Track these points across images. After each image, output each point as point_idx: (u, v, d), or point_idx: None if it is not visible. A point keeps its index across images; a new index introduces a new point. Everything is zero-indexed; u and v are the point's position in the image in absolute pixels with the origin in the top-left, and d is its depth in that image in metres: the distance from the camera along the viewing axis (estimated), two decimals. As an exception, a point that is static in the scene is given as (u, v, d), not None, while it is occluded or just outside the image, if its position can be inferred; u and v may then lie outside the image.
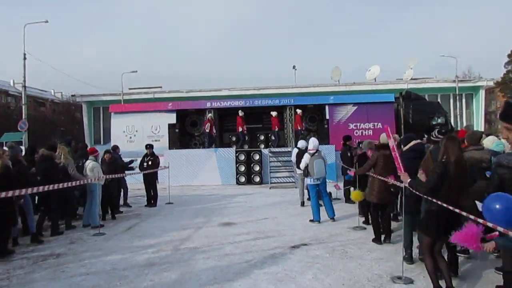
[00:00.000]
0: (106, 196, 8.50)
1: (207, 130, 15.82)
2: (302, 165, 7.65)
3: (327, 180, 7.78)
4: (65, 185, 6.68)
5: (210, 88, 26.56)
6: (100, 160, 8.74)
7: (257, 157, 15.14)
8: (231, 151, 15.52)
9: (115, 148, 10.48)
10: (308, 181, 7.57)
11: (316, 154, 7.45)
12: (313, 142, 7.65)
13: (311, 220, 7.71)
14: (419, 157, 4.77)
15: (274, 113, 16.31)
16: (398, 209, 6.63)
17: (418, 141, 5.25)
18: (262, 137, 17.61)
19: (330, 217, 7.72)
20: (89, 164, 8.11)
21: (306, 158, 7.56)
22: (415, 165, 4.47)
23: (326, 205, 7.71)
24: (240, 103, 17.62)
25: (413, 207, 4.78)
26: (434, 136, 5.12)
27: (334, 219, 7.70)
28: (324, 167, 7.39)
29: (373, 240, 5.95)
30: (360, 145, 10.15)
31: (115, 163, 9.23)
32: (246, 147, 16.43)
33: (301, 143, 9.43)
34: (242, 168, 15.14)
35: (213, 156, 15.37)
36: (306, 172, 7.51)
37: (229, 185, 14.82)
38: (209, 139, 16.31)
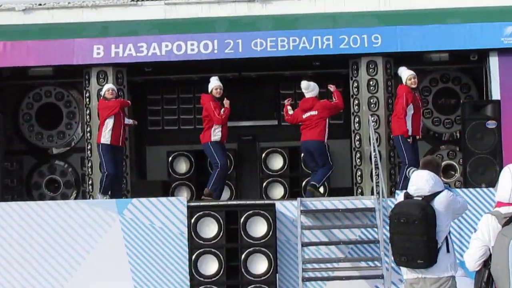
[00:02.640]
0: None
1: (105, 140, 11.47)
2: (471, 258, 5.22)
3: None
4: None
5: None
6: None
7: (261, 228, 10.89)
8: (176, 208, 10.97)
9: None
10: None
11: None
12: None
13: None
14: None
15: (312, 86, 10.95)
16: None
17: None
18: (279, 162, 12.13)
19: None
20: None
21: (485, 231, 5.06)
22: None
23: None
24: (211, 50, 11.94)
25: None
26: None
27: None
28: None
29: None
30: None
31: None
32: (227, 196, 11.94)
33: (420, 181, 6.36)
34: (213, 268, 10.88)
35: (114, 227, 11.06)
36: (484, 281, 4.99)
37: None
38: (110, 170, 11.66)
